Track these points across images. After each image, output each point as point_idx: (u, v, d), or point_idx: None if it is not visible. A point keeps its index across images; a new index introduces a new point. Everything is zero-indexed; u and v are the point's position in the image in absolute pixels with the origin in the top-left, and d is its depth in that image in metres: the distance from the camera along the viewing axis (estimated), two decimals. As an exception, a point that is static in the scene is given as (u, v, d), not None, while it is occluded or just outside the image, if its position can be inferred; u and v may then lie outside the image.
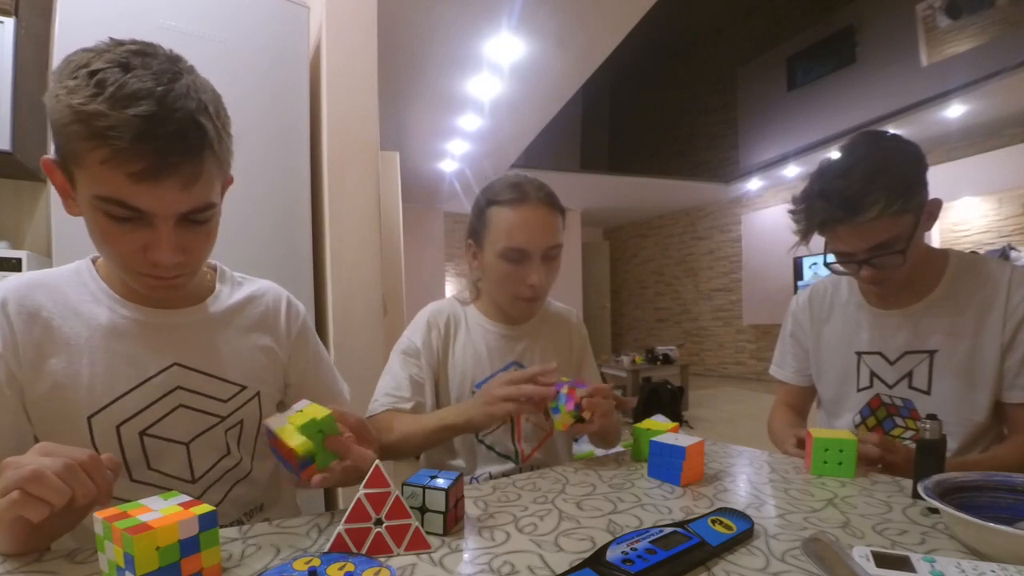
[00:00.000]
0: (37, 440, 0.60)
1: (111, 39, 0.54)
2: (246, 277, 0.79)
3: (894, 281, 0.89)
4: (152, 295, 0.64)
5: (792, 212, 0.92)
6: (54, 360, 0.60)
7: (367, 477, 0.50)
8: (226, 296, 0.74)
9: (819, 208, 0.86)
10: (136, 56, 0.52)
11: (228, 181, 0.65)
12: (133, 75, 0.50)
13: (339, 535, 0.48)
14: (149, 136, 0.49)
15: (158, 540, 0.40)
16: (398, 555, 0.49)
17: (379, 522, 0.49)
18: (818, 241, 0.91)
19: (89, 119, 0.49)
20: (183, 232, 0.57)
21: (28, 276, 0.64)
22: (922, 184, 0.84)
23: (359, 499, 0.49)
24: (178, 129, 0.51)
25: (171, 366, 0.65)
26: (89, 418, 0.61)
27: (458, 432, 0.85)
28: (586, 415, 0.77)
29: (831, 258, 0.92)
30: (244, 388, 0.71)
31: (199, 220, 0.58)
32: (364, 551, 0.48)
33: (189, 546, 0.42)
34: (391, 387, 0.93)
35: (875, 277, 0.88)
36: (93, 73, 0.49)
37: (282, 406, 0.79)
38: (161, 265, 0.56)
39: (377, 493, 0.50)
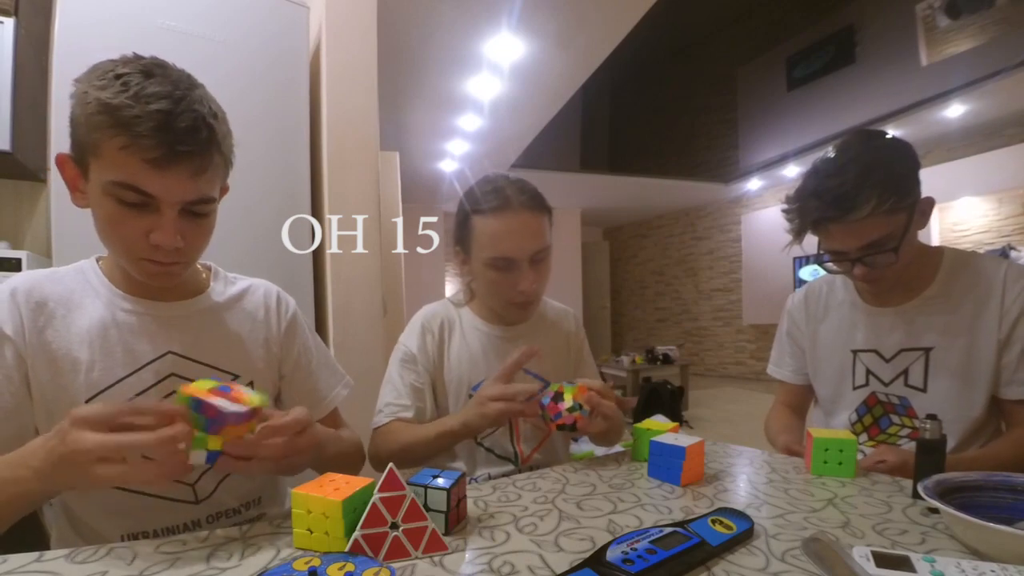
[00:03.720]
0: (36, 424, 0.63)
1: (134, 53, 0.61)
2: (239, 276, 0.83)
3: (888, 279, 0.89)
4: (149, 282, 0.67)
5: (785, 211, 0.92)
6: (56, 346, 0.64)
7: (380, 481, 0.49)
8: (220, 291, 0.78)
9: (812, 207, 0.86)
10: (157, 67, 0.59)
11: (224, 189, 0.71)
12: (154, 81, 0.57)
13: (356, 541, 0.47)
14: (166, 128, 0.56)
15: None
16: (416, 558, 0.49)
17: (395, 526, 0.49)
18: (812, 240, 0.91)
19: (115, 110, 0.55)
20: (184, 222, 0.62)
21: (36, 272, 0.68)
22: (915, 182, 0.84)
23: (374, 503, 0.48)
24: (191, 125, 0.58)
25: (166, 354, 0.69)
26: (87, 401, 0.64)
27: (457, 437, 0.85)
28: (585, 410, 0.77)
29: (825, 257, 0.93)
30: (237, 377, 0.73)
31: (200, 212, 0.64)
32: (382, 557, 0.48)
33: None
34: (392, 396, 0.94)
35: (868, 275, 0.88)
36: (119, 76, 0.56)
37: (277, 400, 0.81)
38: (162, 249, 0.61)
39: (392, 497, 0.49)
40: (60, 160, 0.62)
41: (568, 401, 0.76)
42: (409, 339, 0.97)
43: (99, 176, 0.58)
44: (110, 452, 0.46)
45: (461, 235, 0.95)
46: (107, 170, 0.58)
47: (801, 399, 1.14)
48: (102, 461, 0.46)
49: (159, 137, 0.55)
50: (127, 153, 0.56)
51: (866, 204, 0.80)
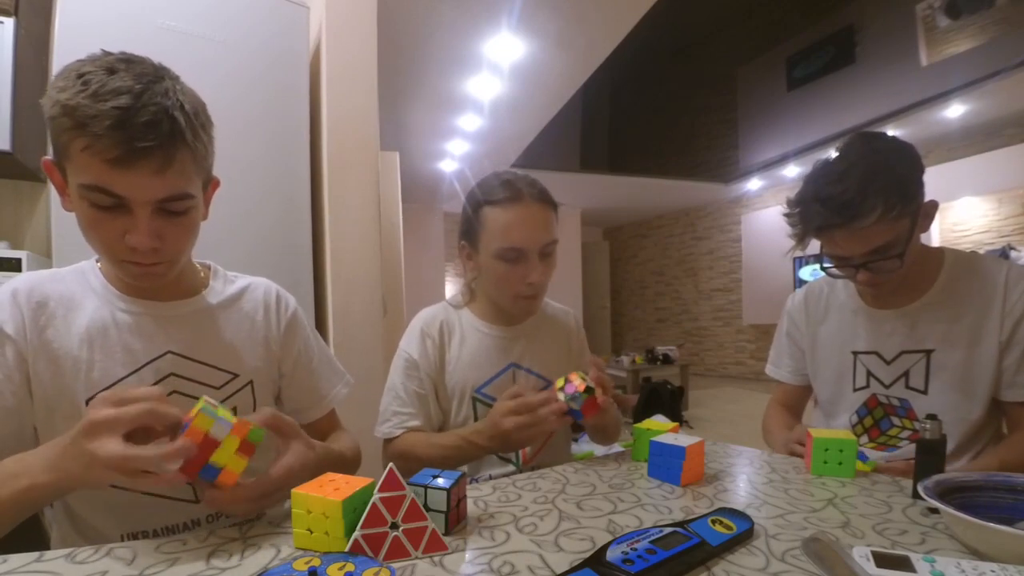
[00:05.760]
0: (35, 423, 0.63)
1: (102, 51, 0.58)
2: (239, 275, 0.83)
3: (891, 282, 0.89)
4: (135, 283, 0.67)
5: (787, 216, 0.91)
6: (56, 346, 0.64)
7: (381, 481, 0.49)
8: (219, 291, 0.77)
9: (816, 213, 0.85)
10: (122, 63, 0.57)
11: (214, 184, 0.70)
12: (116, 76, 0.55)
13: (356, 541, 0.47)
14: (123, 125, 0.54)
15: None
16: (416, 558, 0.49)
17: (395, 526, 0.49)
18: (814, 243, 0.91)
19: (73, 111, 0.53)
20: (160, 221, 0.60)
21: (37, 273, 0.69)
22: (919, 186, 0.84)
23: (374, 503, 0.48)
24: (151, 120, 0.55)
25: (165, 354, 0.68)
26: (87, 402, 0.63)
27: (482, 453, 0.87)
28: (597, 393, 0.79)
29: (828, 262, 0.92)
30: (236, 376, 0.73)
31: (176, 211, 0.61)
32: (382, 557, 0.48)
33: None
34: (397, 405, 0.94)
35: (872, 280, 0.88)
36: (81, 75, 0.55)
37: (278, 399, 0.82)
38: (138, 250, 0.60)
39: (392, 496, 0.49)
40: (46, 166, 0.61)
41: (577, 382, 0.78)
42: (409, 345, 0.97)
43: (73, 180, 0.57)
44: (129, 463, 0.47)
45: (469, 228, 0.95)
46: (76, 173, 0.56)
47: (797, 399, 1.14)
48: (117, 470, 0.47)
49: (116, 135, 0.53)
50: (89, 154, 0.54)
51: (872, 211, 0.79)
